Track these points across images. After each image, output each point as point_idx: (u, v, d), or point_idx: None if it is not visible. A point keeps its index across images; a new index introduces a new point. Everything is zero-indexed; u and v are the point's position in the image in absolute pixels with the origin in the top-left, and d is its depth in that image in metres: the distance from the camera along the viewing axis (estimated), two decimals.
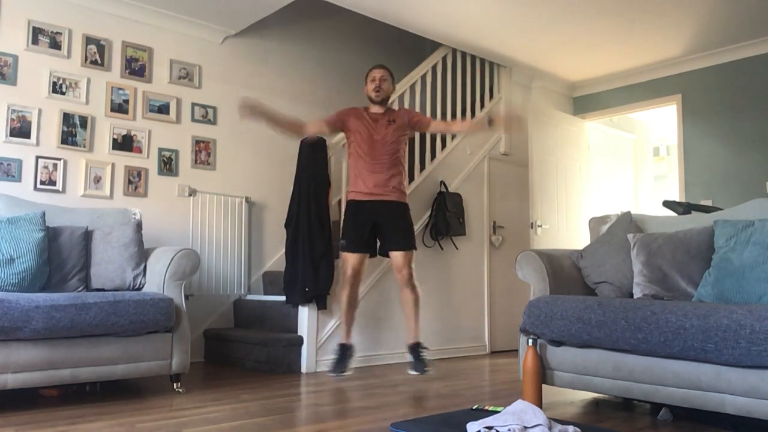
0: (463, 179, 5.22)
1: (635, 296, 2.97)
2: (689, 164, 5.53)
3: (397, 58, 6.00)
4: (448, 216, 4.88)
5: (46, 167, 4.01)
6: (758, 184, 5.07)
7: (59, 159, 4.07)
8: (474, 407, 2.75)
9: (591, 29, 4.94)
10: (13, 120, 3.92)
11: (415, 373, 3.70)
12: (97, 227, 3.53)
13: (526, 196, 5.61)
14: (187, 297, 3.46)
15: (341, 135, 4.43)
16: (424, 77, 5.15)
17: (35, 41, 4.03)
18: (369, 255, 3.85)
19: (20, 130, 3.94)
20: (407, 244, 3.80)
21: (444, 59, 5.33)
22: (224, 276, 4.72)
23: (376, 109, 3.91)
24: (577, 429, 2.20)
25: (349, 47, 5.77)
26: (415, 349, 3.79)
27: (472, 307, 5.21)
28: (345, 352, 3.75)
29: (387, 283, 4.50)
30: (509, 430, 2.12)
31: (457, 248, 5.08)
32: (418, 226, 4.80)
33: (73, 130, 4.13)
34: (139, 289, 3.40)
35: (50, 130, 4.05)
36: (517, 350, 3.45)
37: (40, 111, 4.02)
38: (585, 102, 6.35)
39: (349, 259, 3.76)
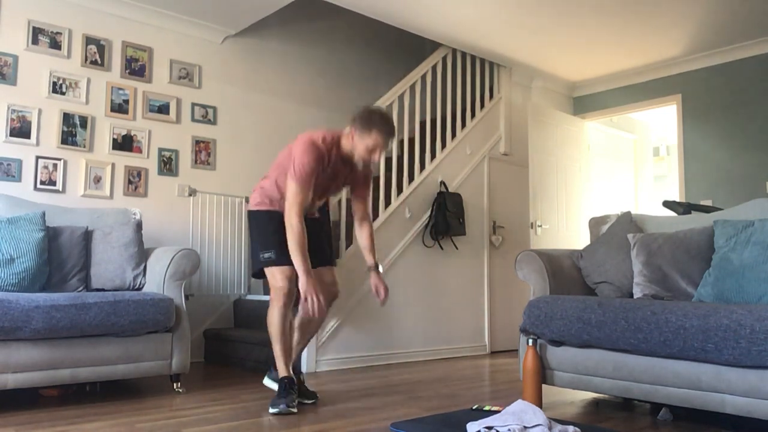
0: (463, 179, 5.22)
1: (635, 296, 2.97)
2: (689, 164, 5.53)
3: (397, 58, 6.01)
4: (448, 216, 4.88)
5: (46, 167, 4.01)
6: (758, 184, 5.07)
7: (59, 159, 4.07)
8: (474, 407, 2.75)
9: (591, 29, 4.94)
10: (13, 120, 3.92)
11: (312, 401, 2.98)
12: (97, 227, 3.53)
13: (526, 196, 5.61)
14: (187, 297, 3.47)
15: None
16: (424, 77, 5.15)
17: (35, 41, 4.03)
18: None
19: (20, 130, 3.94)
20: (332, 257, 3.22)
21: (444, 59, 5.34)
22: (224, 276, 4.72)
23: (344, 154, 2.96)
24: (577, 429, 2.20)
25: (349, 47, 5.77)
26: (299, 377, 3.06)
27: (472, 307, 5.21)
28: (291, 385, 2.83)
29: (388, 282, 4.49)
30: (509, 430, 2.12)
31: (457, 248, 5.08)
32: (418, 226, 4.81)
33: (73, 130, 4.13)
34: (139, 289, 3.40)
35: (50, 130, 4.05)
36: (517, 350, 3.46)
37: (40, 111, 4.02)
38: (585, 102, 6.35)
39: (283, 273, 2.85)
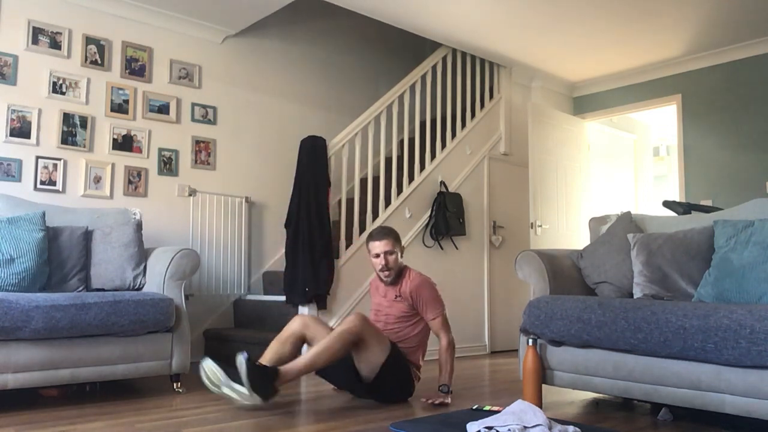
0: (463, 179, 5.22)
1: (635, 296, 2.97)
2: (689, 164, 5.53)
3: (397, 58, 6.01)
4: (448, 216, 4.88)
5: (46, 167, 4.01)
6: (758, 184, 5.07)
7: (59, 159, 4.07)
8: (474, 407, 2.75)
9: (591, 29, 4.94)
10: (13, 120, 3.92)
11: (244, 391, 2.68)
12: (97, 227, 3.53)
13: (526, 196, 5.61)
14: (187, 297, 3.47)
15: (340, 136, 4.44)
16: (424, 77, 5.15)
17: (35, 41, 4.03)
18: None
19: (20, 130, 3.94)
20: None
21: (444, 59, 5.34)
22: (224, 276, 4.72)
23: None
24: (577, 429, 2.20)
25: (349, 47, 5.77)
26: None
27: (472, 307, 5.21)
28: (252, 370, 2.65)
29: None
30: (509, 430, 2.12)
31: (457, 248, 5.08)
32: (418, 226, 4.82)
33: (73, 130, 4.13)
34: (139, 289, 3.40)
35: (50, 130, 4.05)
36: (517, 350, 3.46)
37: (40, 111, 4.02)
38: (585, 102, 6.35)
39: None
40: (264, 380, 2.63)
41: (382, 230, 3.18)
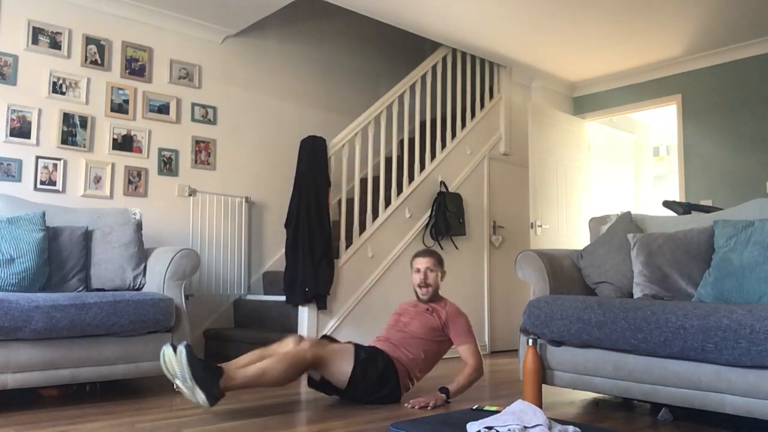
0: (463, 179, 5.22)
1: (635, 296, 2.97)
2: (689, 164, 5.53)
3: (397, 58, 6.01)
4: (448, 216, 4.88)
5: (46, 167, 4.01)
6: (758, 184, 5.06)
7: (59, 159, 4.07)
8: (474, 407, 2.75)
9: (591, 29, 4.94)
10: (13, 120, 3.92)
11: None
12: (97, 227, 3.53)
13: (526, 196, 5.61)
14: (187, 297, 3.47)
15: (340, 136, 4.44)
16: (424, 77, 5.15)
17: (35, 41, 4.03)
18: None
19: (20, 130, 3.94)
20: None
21: (444, 59, 5.34)
22: (224, 276, 4.72)
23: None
24: (577, 429, 2.20)
25: (349, 47, 5.77)
26: None
27: (472, 307, 5.20)
28: (205, 369, 2.53)
29: (387, 282, 4.51)
30: (509, 430, 2.11)
31: (457, 248, 5.08)
32: (418, 226, 4.82)
33: (73, 130, 4.13)
34: (139, 289, 3.40)
35: (50, 130, 4.05)
36: (517, 350, 3.45)
37: (40, 111, 4.02)
38: (585, 102, 6.35)
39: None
40: (207, 374, 2.47)
41: (428, 250, 3.39)
